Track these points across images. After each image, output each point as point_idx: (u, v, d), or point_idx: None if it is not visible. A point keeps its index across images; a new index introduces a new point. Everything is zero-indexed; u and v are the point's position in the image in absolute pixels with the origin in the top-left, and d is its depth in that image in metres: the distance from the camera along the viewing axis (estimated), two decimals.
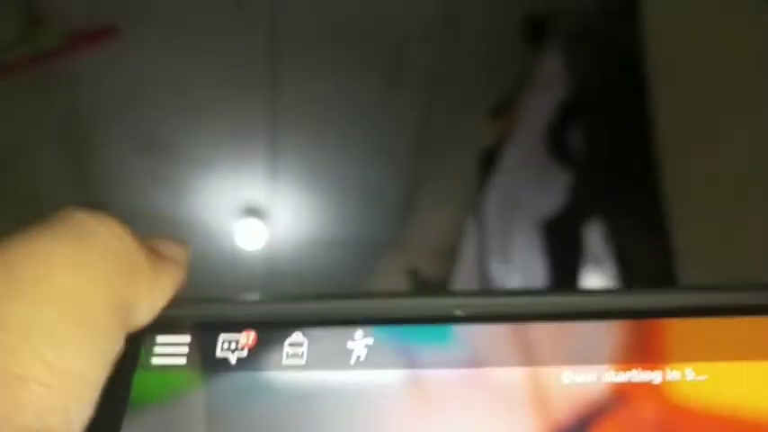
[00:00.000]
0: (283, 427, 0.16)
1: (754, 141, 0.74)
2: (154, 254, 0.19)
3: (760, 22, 0.74)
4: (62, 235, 0.17)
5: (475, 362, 0.16)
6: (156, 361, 0.17)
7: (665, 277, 1.08)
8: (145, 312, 0.18)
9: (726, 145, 0.79)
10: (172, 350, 0.17)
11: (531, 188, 1.76)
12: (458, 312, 0.16)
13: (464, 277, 2.66)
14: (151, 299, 0.18)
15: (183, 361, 0.17)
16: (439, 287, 3.15)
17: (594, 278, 1.26)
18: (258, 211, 3.27)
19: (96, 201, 2.00)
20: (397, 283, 3.42)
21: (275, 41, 2.30)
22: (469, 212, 2.56)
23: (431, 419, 0.16)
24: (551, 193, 1.47)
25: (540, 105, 1.74)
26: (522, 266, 1.76)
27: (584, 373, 0.16)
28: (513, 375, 0.16)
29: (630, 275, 1.17)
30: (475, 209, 2.17)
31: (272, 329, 0.16)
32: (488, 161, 2.33)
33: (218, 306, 0.17)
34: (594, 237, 1.27)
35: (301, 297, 0.17)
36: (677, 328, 0.16)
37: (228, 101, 2.63)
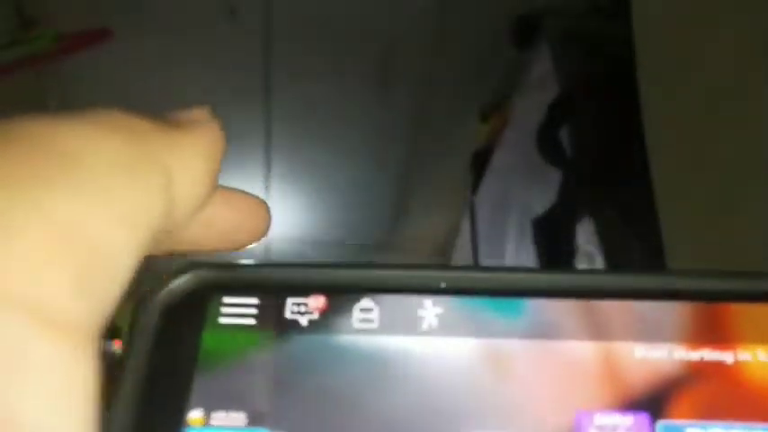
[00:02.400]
0: (354, 390, 0.16)
1: (743, 140, 0.75)
2: (173, 120, 0.17)
3: (748, 20, 0.75)
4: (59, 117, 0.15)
5: (547, 334, 0.16)
6: (223, 320, 0.17)
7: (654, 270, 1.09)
8: (179, 170, 0.16)
9: (714, 144, 0.79)
10: (240, 311, 0.16)
11: (522, 188, 1.77)
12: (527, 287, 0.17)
13: None
14: (179, 154, 0.16)
15: (252, 321, 0.16)
16: None
17: None
18: None
19: None
20: None
21: (269, 44, 2.30)
22: (462, 212, 2.57)
23: (502, 388, 0.16)
24: (543, 193, 1.48)
25: (531, 106, 1.75)
26: (514, 264, 1.76)
27: (657, 349, 0.16)
28: (585, 348, 0.16)
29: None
30: (467, 209, 2.18)
31: (341, 294, 0.17)
32: (480, 162, 2.33)
33: (283, 270, 0.17)
34: (586, 236, 1.28)
35: (369, 264, 0.18)
36: (747, 311, 0.17)
37: (222, 104, 2.62)
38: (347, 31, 2.30)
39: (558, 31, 1.63)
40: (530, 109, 1.78)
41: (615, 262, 1.18)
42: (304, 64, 2.44)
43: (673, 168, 0.86)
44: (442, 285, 0.17)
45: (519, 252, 1.72)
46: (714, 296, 0.17)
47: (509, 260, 1.85)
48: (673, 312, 0.17)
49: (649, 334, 0.16)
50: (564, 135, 1.30)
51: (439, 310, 0.16)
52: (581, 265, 1.25)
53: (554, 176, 1.27)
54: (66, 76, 2.45)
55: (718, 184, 0.78)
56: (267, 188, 3.08)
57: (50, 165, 0.13)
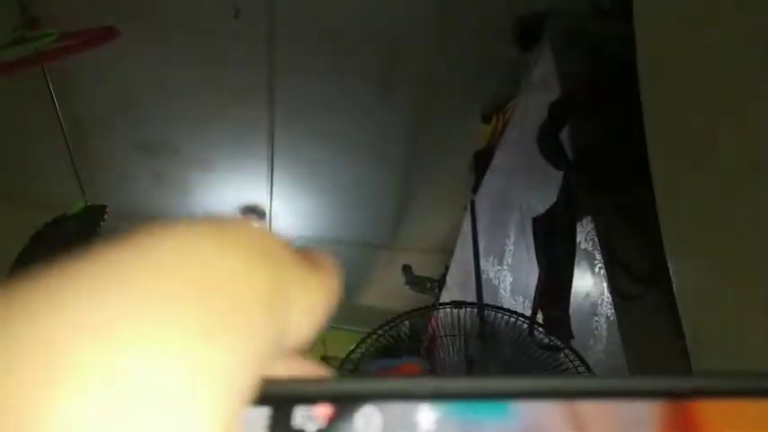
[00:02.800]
0: None
1: (743, 140, 0.75)
2: (302, 254, 0.18)
3: (748, 20, 0.76)
4: (199, 227, 0.15)
5: None
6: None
7: (654, 271, 1.10)
8: (301, 305, 0.16)
9: (714, 144, 0.80)
10: (251, 423, 0.17)
11: (523, 188, 1.78)
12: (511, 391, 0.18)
13: (457, 275, 2.67)
14: (305, 291, 0.16)
15: (263, 430, 0.17)
16: (432, 282, 3.16)
17: (586, 274, 1.27)
18: (257, 211, 3.28)
19: (97, 201, 2.00)
20: (392, 280, 3.43)
21: (272, 45, 2.31)
22: (463, 211, 2.58)
23: None
24: (543, 193, 1.49)
25: (532, 106, 1.76)
26: (514, 263, 1.77)
27: None
28: None
29: (620, 271, 1.19)
30: (468, 208, 2.19)
31: (346, 402, 0.18)
32: (481, 161, 2.34)
33: (291, 383, 0.18)
34: (586, 235, 1.29)
35: (371, 376, 0.19)
36: (710, 406, 0.18)
37: (228, 104, 2.64)
38: (349, 33, 2.30)
39: (560, 31, 1.64)
40: (531, 109, 1.79)
41: (614, 261, 1.19)
42: (307, 64, 2.45)
43: (673, 168, 0.86)
44: (436, 392, 0.18)
45: (519, 251, 1.73)
46: (685, 394, 0.18)
47: (509, 259, 1.86)
48: (644, 409, 0.18)
49: (624, 429, 0.18)
50: (565, 135, 1.31)
51: (435, 414, 0.18)
52: (581, 263, 1.26)
53: (555, 176, 1.28)
54: (70, 74, 2.46)
55: (719, 184, 0.78)
56: (270, 186, 3.09)
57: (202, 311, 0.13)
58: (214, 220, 0.16)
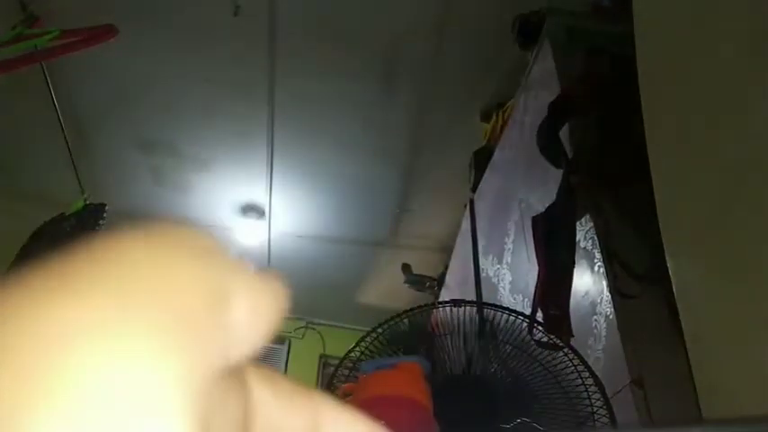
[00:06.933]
0: None
1: (743, 140, 0.76)
2: (245, 267, 0.17)
3: (748, 20, 0.76)
4: (151, 237, 0.15)
5: None
6: None
7: (653, 269, 1.10)
8: (244, 310, 0.16)
9: (714, 144, 0.80)
10: None
11: (522, 186, 1.78)
12: None
13: (457, 273, 2.67)
14: (251, 293, 0.16)
15: None
16: (432, 280, 3.16)
17: (585, 273, 1.27)
18: (257, 209, 3.29)
19: (95, 197, 2.00)
20: (391, 279, 3.44)
21: (272, 42, 2.31)
22: (462, 210, 2.58)
23: None
24: (543, 191, 1.49)
25: (532, 104, 1.76)
26: (513, 262, 1.78)
27: None
28: None
29: (620, 270, 1.19)
30: (468, 206, 2.19)
31: None
32: (481, 159, 2.34)
33: None
34: (585, 233, 1.29)
35: None
36: None
37: (228, 102, 2.65)
38: (349, 32, 2.31)
39: (560, 30, 1.64)
40: (530, 107, 1.79)
41: (614, 260, 1.19)
42: (306, 63, 2.45)
43: (672, 167, 0.86)
44: None
45: (518, 249, 1.73)
46: None
47: (508, 257, 1.86)
48: None
49: None
50: (564, 133, 1.31)
51: None
52: (580, 262, 1.26)
53: (554, 175, 1.28)
54: (69, 71, 2.46)
55: (718, 184, 0.78)
56: (269, 184, 3.09)
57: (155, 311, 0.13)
58: (152, 229, 0.15)
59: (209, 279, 0.15)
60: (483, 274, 1.95)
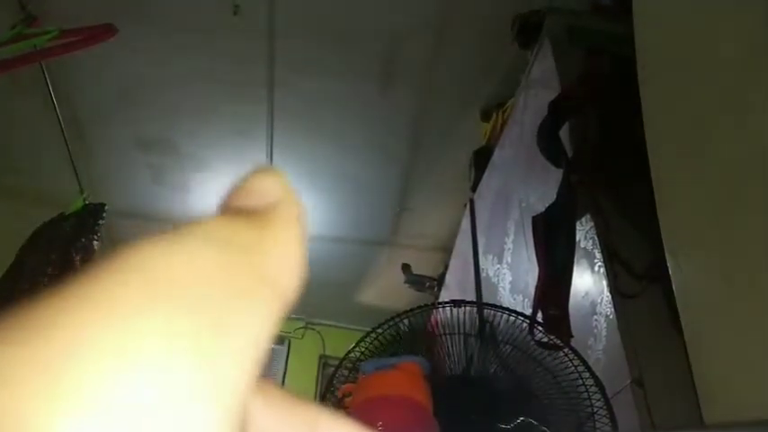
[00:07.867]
0: None
1: (743, 140, 0.75)
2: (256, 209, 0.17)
3: (748, 20, 0.76)
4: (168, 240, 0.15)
5: None
6: None
7: (653, 269, 1.10)
8: (282, 259, 0.15)
9: (714, 144, 0.80)
10: None
11: (522, 186, 1.78)
12: None
13: (457, 273, 2.67)
14: (279, 243, 0.16)
15: None
16: (432, 280, 3.16)
17: (585, 273, 1.27)
18: None
19: (94, 195, 2.00)
20: (391, 278, 3.44)
21: (272, 42, 2.31)
22: (462, 209, 2.58)
23: None
24: (543, 191, 1.49)
25: (532, 104, 1.76)
26: (513, 262, 1.78)
27: None
28: None
29: (620, 269, 1.19)
30: (467, 205, 2.19)
31: None
32: (481, 159, 2.34)
33: None
34: (585, 233, 1.29)
35: None
36: None
37: (227, 101, 2.64)
38: (349, 30, 2.31)
39: (560, 30, 1.64)
40: (530, 107, 1.79)
41: (614, 260, 1.19)
42: (306, 61, 2.45)
43: (672, 167, 0.86)
44: None
45: (518, 249, 1.73)
46: None
47: (508, 257, 1.86)
48: None
49: None
50: (564, 133, 1.31)
51: None
52: (580, 262, 1.26)
53: (554, 174, 1.28)
54: (68, 70, 2.46)
55: (718, 184, 0.78)
56: None
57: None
58: (173, 230, 0.15)
59: (237, 256, 0.15)
60: (483, 274, 1.95)
